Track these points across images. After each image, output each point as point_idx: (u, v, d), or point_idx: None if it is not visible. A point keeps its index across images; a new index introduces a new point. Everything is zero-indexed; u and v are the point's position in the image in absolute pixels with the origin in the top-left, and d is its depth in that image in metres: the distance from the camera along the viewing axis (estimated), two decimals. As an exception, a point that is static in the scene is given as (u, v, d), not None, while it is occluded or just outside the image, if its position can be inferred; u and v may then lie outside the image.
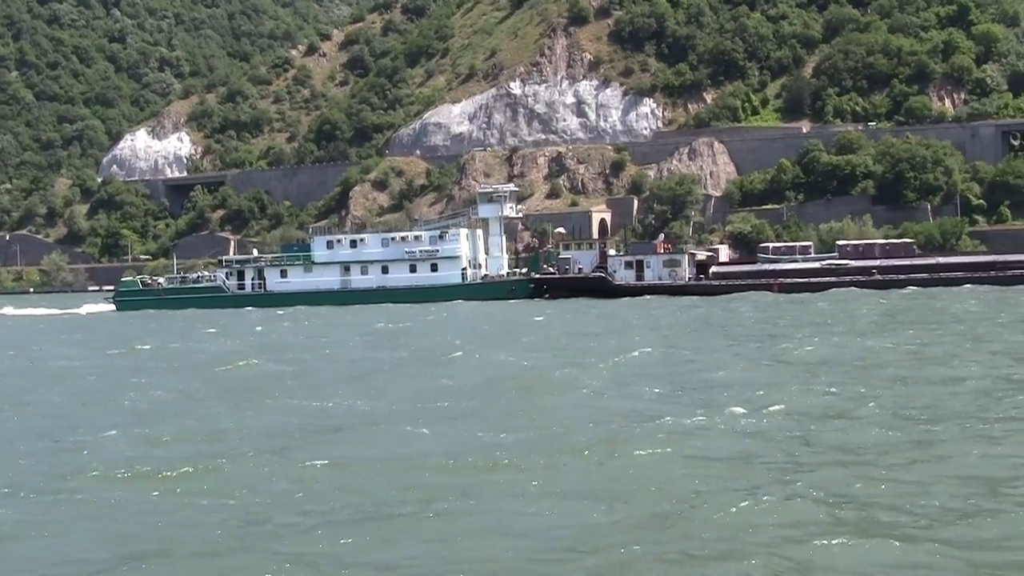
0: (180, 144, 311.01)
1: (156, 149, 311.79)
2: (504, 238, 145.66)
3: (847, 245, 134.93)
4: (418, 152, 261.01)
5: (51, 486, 25.49)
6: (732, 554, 18.54)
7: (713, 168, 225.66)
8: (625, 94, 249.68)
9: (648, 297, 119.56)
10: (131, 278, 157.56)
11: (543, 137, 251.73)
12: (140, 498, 24.16)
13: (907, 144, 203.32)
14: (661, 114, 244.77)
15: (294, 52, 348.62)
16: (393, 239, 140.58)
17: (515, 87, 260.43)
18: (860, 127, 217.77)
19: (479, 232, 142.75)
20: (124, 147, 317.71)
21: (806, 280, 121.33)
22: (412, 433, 30.51)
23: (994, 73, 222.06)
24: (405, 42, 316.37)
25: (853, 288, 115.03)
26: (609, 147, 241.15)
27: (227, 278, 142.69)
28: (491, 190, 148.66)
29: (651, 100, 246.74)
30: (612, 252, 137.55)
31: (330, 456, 27.58)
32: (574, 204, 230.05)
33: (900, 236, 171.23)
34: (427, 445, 28.61)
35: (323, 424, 33.23)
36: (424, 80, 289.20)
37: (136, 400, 40.96)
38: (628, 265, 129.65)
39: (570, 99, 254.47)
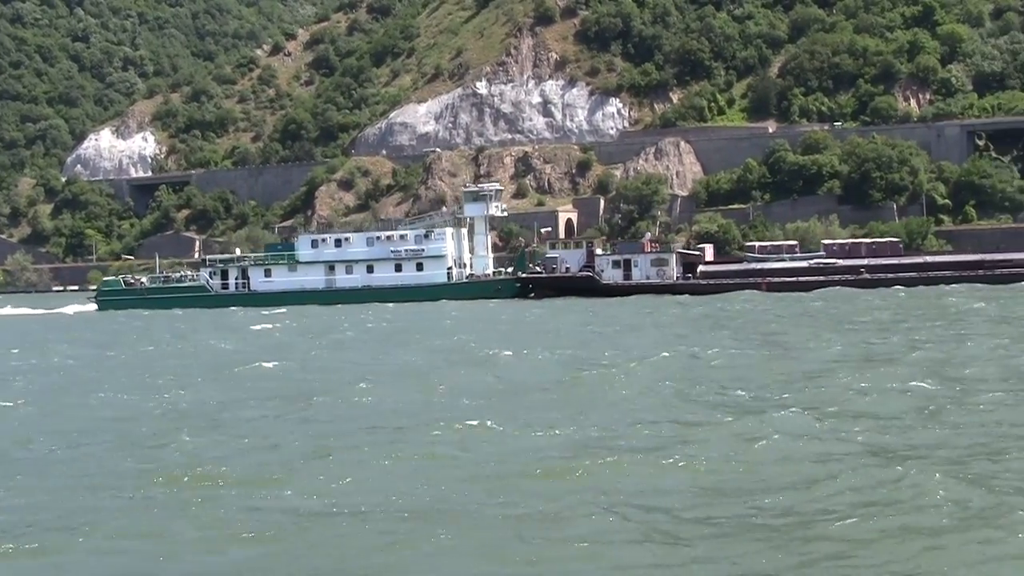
0: (145, 144, 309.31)
1: (120, 149, 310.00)
2: (489, 237, 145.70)
3: (833, 244, 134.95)
4: (384, 152, 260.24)
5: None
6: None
7: (679, 168, 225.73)
8: (591, 94, 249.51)
9: (643, 296, 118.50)
10: (113, 277, 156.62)
11: (509, 137, 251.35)
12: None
13: (873, 144, 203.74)
14: (627, 114, 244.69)
15: (259, 52, 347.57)
16: (378, 238, 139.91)
17: (481, 87, 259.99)
18: (826, 127, 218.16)
19: (463, 231, 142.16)
20: (88, 147, 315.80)
21: (795, 279, 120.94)
22: (531, 427, 31.18)
23: (959, 73, 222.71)
24: (371, 42, 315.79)
25: (842, 288, 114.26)
26: (575, 147, 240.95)
27: (211, 277, 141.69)
28: (476, 189, 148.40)
29: (617, 100, 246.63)
30: (599, 251, 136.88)
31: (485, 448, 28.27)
32: (540, 204, 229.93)
33: (866, 235, 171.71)
34: (553, 441, 29.20)
35: (429, 418, 33.37)
36: (390, 80, 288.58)
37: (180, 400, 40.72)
38: (616, 264, 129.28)
39: (536, 99, 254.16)
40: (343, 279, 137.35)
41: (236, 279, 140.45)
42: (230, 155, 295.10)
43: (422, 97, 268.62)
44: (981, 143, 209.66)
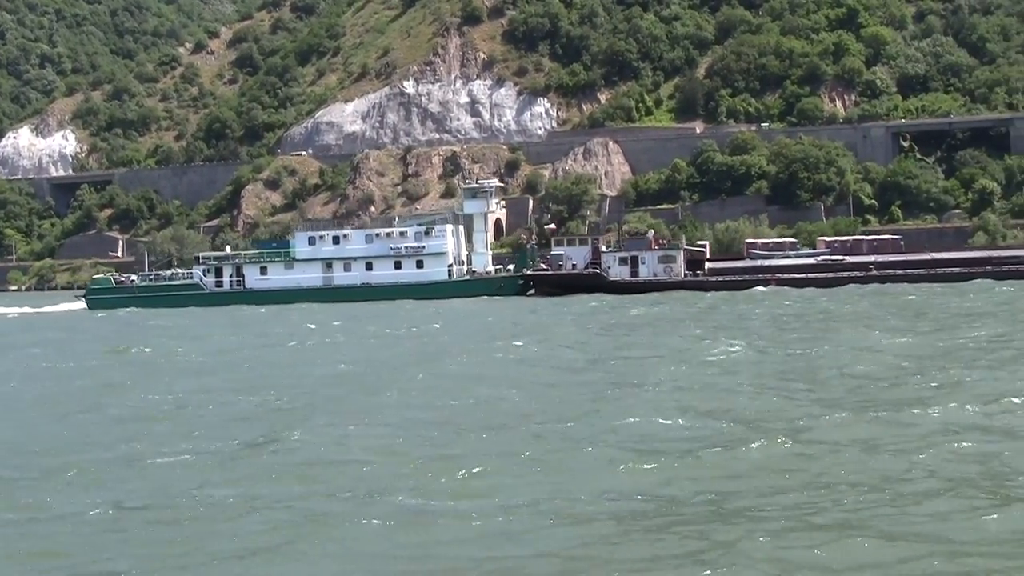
0: (65, 142, 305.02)
1: (40, 147, 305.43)
2: (488, 234, 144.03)
3: (835, 241, 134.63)
4: (310, 151, 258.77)
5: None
6: None
7: (608, 168, 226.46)
8: (519, 94, 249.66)
9: (673, 293, 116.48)
10: (103, 275, 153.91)
11: (437, 136, 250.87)
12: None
13: (800, 145, 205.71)
14: (555, 114, 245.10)
15: (181, 50, 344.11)
16: (377, 235, 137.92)
17: (408, 86, 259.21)
18: (753, 128, 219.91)
19: (460, 228, 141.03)
20: (6, 145, 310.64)
21: (804, 276, 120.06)
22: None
23: (884, 75, 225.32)
24: (295, 40, 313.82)
25: (852, 284, 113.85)
26: (504, 147, 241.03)
27: (204, 275, 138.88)
28: (476, 185, 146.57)
29: (545, 100, 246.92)
30: (604, 248, 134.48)
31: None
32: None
33: (794, 235, 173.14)
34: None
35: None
36: (315, 79, 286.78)
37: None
38: (623, 261, 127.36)
39: (464, 98, 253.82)
40: (341, 277, 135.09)
41: (231, 277, 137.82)
42: (153, 154, 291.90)
43: (348, 96, 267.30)
44: (906, 144, 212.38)
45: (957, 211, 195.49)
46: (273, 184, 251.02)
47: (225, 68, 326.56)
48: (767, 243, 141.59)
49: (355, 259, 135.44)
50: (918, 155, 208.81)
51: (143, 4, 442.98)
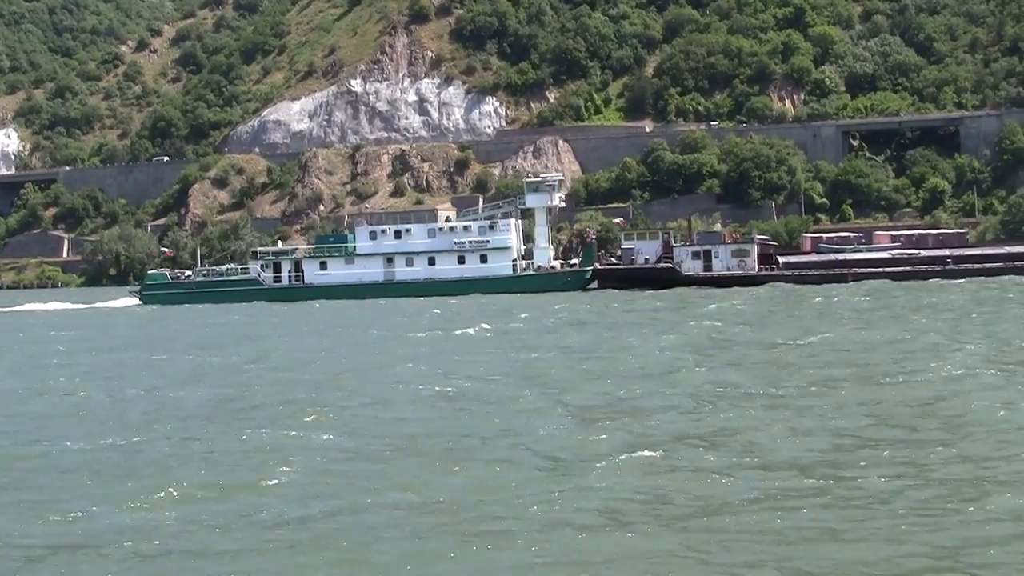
0: (8, 141, 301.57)
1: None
2: (549, 228, 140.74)
3: (899, 235, 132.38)
4: (257, 150, 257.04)
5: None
6: None
7: (558, 167, 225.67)
8: (468, 92, 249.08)
9: (769, 287, 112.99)
10: (157, 271, 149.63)
11: (385, 135, 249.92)
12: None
13: (751, 143, 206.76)
14: (504, 112, 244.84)
15: (124, 48, 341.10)
16: (440, 229, 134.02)
17: (356, 85, 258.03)
18: (703, 127, 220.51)
19: (520, 223, 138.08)
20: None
21: (880, 270, 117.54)
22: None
23: (832, 75, 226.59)
24: (239, 39, 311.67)
25: (936, 279, 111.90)
26: (453, 145, 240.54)
27: (262, 270, 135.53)
28: (539, 179, 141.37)
29: (494, 99, 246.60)
30: (675, 242, 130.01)
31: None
32: (419, 202, 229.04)
33: (746, 234, 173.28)
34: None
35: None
36: (261, 77, 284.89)
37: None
38: (695, 255, 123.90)
39: (412, 97, 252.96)
40: (403, 272, 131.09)
41: (289, 272, 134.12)
42: (97, 153, 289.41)
43: (295, 95, 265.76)
44: (855, 143, 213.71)
45: (908, 210, 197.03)
46: (221, 183, 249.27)
47: (168, 66, 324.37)
48: (832, 237, 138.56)
49: (417, 254, 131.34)
50: (868, 154, 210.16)
51: (81, 2, 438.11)
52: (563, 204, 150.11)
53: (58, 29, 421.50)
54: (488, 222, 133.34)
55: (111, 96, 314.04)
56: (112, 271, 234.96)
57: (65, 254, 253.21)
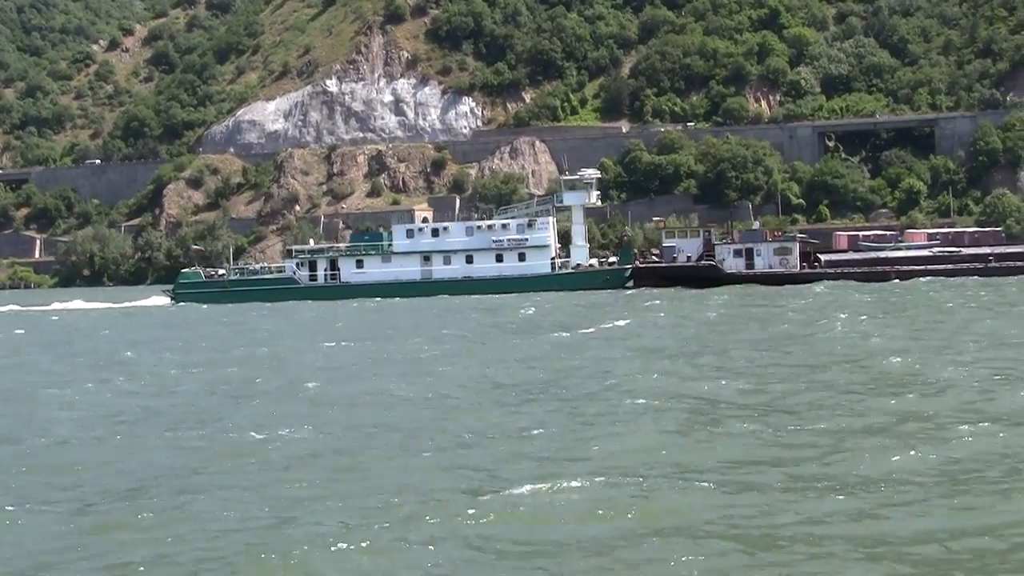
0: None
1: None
2: (586, 227, 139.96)
3: (936, 233, 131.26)
4: (232, 150, 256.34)
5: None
6: None
7: (535, 167, 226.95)
8: (444, 93, 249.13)
9: (827, 283, 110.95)
10: (191, 270, 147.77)
11: (361, 135, 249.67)
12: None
13: (727, 144, 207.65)
14: (480, 113, 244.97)
15: (95, 47, 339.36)
16: (479, 228, 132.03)
17: (331, 85, 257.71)
18: (680, 127, 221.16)
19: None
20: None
21: (923, 268, 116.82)
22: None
23: (808, 76, 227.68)
24: (212, 38, 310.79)
25: (976, 276, 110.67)
26: (429, 146, 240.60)
27: (298, 268, 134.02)
28: (576, 177, 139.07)
29: (470, 99, 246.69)
30: (716, 240, 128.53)
31: None
32: (395, 203, 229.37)
33: (723, 235, 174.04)
34: None
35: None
36: (235, 77, 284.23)
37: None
38: (737, 253, 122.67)
39: (388, 97, 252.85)
40: (440, 270, 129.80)
41: (325, 270, 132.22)
42: (69, 152, 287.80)
43: (270, 95, 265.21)
44: (831, 144, 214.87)
45: (884, 210, 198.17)
46: (195, 183, 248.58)
47: (141, 66, 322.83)
48: (867, 235, 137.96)
49: (455, 252, 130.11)
50: (844, 155, 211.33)
51: (50, 1, 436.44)
52: (599, 202, 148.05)
53: (27, 28, 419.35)
54: (527, 220, 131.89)
55: (83, 96, 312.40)
56: (86, 271, 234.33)
57: (37, 255, 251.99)
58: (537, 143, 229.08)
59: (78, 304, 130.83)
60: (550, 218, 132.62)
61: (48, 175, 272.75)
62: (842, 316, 66.06)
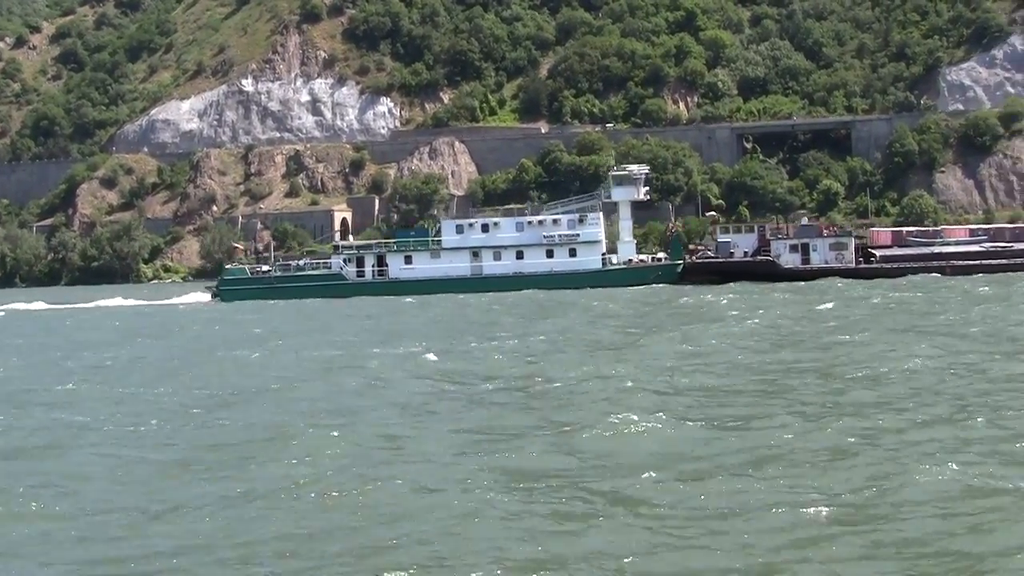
0: None
1: None
2: (632, 222, 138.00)
3: (977, 229, 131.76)
4: (146, 149, 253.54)
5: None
6: None
7: (455, 168, 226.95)
8: (361, 93, 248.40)
9: (835, 281, 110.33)
10: (235, 265, 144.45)
11: (278, 135, 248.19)
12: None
13: (647, 145, 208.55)
14: (399, 113, 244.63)
15: (1, 44, 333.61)
16: (529, 223, 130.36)
17: (247, 84, 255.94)
18: (599, 128, 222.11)
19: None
20: None
21: (977, 263, 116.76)
22: None
23: (725, 78, 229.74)
24: (122, 36, 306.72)
25: None
26: (347, 146, 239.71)
27: (345, 264, 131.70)
28: (624, 172, 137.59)
29: (388, 99, 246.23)
30: (771, 236, 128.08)
31: None
32: (314, 203, 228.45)
33: (645, 235, 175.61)
34: None
35: None
36: (148, 75, 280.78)
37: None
38: (793, 248, 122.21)
39: (305, 97, 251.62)
40: (491, 266, 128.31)
41: (372, 266, 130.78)
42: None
43: (184, 94, 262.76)
44: (749, 146, 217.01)
45: (803, 211, 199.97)
46: (109, 183, 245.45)
47: (48, 64, 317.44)
48: (911, 231, 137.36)
49: (505, 248, 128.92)
50: (762, 156, 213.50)
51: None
52: (647, 197, 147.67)
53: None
54: (578, 215, 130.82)
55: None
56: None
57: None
58: (456, 144, 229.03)
59: (118, 301, 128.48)
60: (600, 213, 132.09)
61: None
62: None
